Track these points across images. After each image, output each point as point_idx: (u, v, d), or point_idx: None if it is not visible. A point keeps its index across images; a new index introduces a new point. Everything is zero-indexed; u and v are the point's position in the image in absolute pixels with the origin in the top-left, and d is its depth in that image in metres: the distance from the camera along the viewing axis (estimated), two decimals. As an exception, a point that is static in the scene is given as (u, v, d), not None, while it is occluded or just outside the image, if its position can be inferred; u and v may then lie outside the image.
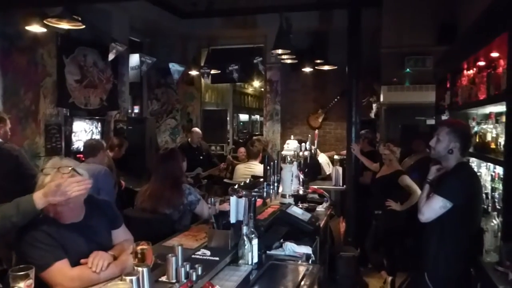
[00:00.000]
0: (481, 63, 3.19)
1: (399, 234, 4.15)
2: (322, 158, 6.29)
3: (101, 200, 2.26)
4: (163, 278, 1.88)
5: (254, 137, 5.74)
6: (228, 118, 9.63)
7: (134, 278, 1.52)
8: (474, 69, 3.34)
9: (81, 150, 4.95)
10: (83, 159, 4.34)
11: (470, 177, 2.49)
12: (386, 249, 4.36)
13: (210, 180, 6.57)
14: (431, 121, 5.87)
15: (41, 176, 1.93)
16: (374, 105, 6.86)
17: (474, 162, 3.34)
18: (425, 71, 5.94)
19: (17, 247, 1.91)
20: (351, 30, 5.14)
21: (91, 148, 4.24)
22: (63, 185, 1.80)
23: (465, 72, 3.58)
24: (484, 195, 2.75)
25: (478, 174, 2.96)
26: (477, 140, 3.14)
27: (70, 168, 1.88)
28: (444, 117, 4.24)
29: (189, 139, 6.84)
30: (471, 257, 2.44)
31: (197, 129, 6.96)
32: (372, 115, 6.93)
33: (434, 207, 2.36)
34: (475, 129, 3.26)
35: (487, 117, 3.12)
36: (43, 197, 1.80)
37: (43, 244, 1.86)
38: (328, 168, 6.21)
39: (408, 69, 6.03)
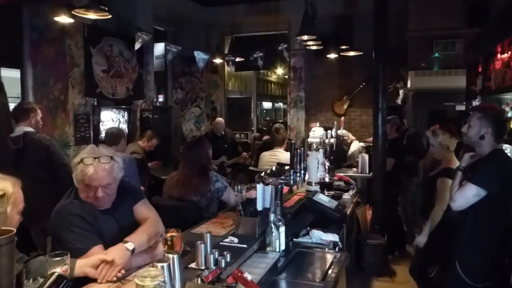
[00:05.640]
0: (517, 46, 3.06)
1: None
2: (355, 146, 6.16)
3: (122, 180, 2.16)
4: (193, 265, 1.90)
5: (275, 124, 5.71)
6: (252, 106, 9.61)
7: (165, 264, 1.54)
8: (509, 52, 3.20)
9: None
10: None
11: (505, 165, 2.40)
12: None
13: (235, 168, 6.60)
14: (460, 107, 5.71)
15: (80, 166, 1.92)
16: (401, 91, 6.71)
17: (507, 148, 3.23)
18: (455, 55, 5.77)
19: (54, 232, 1.96)
20: (377, 14, 4.99)
21: (113, 136, 4.32)
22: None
23: (499, 55, 3.44)
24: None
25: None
26: (512, 126, 3.04)
27: (109, 158, 1.94)
28: (475, 103, 4.11)
29: (213, 129, 6.87)
30: (504, 247, 2.37)
31: (220, 119, 6.97)
32: (399, 101, 6.79)
33: (467, 195, 2.30)
34: (509, 114, 3.15)
35: (522, 102, 3.01)
36: None
37: (81, 229, 1.91)
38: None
39: (437, 54, 5.86)
